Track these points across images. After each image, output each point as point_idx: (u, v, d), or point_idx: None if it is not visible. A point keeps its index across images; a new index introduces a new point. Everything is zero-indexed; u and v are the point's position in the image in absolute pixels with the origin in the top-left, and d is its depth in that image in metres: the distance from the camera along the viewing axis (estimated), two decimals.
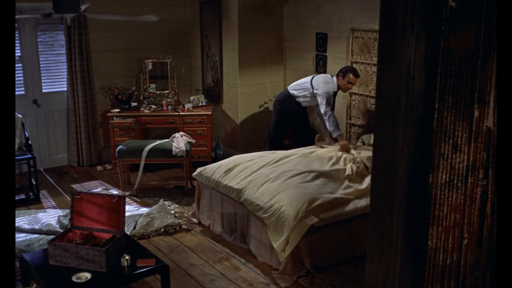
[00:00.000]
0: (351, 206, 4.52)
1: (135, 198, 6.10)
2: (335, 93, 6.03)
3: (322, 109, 5.82)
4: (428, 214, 2.12)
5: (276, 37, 7.27)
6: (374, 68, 5.95)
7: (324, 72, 6.67)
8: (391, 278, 2.22)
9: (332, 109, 5.96)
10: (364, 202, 4.57)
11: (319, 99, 5.86)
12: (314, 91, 5.93)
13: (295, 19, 7.08)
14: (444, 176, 2.09)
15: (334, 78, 5.92)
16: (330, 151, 5.56)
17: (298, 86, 6.15)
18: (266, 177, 5.00)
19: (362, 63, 6.13)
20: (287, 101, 6.19)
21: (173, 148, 6.13)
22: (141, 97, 7.41)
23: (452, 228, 2.15)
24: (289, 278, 4.25)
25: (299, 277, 4.27)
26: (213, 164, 5.46)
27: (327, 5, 6.53)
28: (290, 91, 6.17)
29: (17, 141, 6.23)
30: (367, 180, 4.94)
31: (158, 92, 7.45)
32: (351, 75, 5.75)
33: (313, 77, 6.07)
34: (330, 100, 5.94)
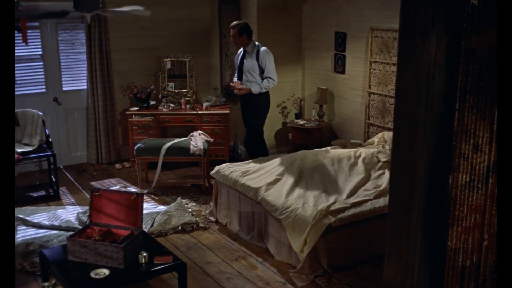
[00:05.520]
0: (368, 206, 4.50)
1: (153, 196, 6.14)
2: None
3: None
4: (447, 215, 2.09)
5: (295, 36, 7.26)
6: (393, 68, 5.91)
7: (343, 72, 6.64)
8: (410, 279, 2.20)
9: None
10: (382, 202, 4.55)
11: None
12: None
13: (314, 19, 7.06)
14: (464, 177, 2.06)
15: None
16: (347, 152, 5.53)
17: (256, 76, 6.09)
18: (283, 177, 5.01)
19: (381, 62, 6.09)
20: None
21: (191, 146, 6.15)
22: (160, 95, 7.45)
23: (472, 229, 2.13)
24: (305, 278, 4.24)
25: (316, 277, 4.26)
26: (231, 163, 5.48)
27: (346, 4, 6.50)
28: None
29: (37, 138, 6.31)
30: (385, 180, 4.92)
31: (176, 91, 7.48)
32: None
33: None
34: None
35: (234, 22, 6.06)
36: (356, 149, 5.61)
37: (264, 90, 6.02)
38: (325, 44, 6.91)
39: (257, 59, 5.97)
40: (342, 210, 4.40)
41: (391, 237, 2.29)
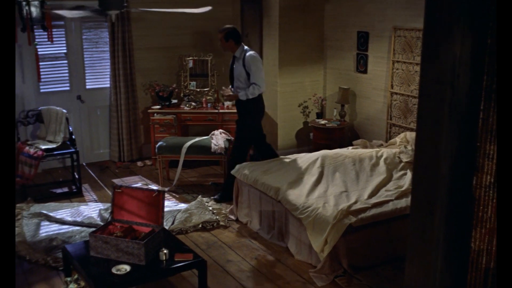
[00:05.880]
0: (390, 207, 4.47)
1: (174, 194, 6.17)
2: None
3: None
4: (471, 216, 2.07)
5: (317, 35, 7.23)
6: (416, 68, 5.85)
7: (365, 72, 6.61)
8: (431, 280, 2.18)
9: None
10: (404, 202, 4.51)
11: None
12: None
13: (336, 18, 7.03)
14: (488, 177, 2.03)
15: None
16: (369, 152, 5.50)
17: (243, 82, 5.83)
18: (303, 176, 5.00)
19: (404, 62, 6.03)
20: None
21: (212, 145, 6.18)
22: (182, 94, 7.49)
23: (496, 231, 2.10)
24: (326, 278, 4.22)
25: (336, 277, 4.24)
26: (252, 162, 5.49)
27: (369, 3, 6.45)
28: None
29: (61, 135, 6.40)
30: (407, 181, 4.87)
31: (198, 90, 7.51)
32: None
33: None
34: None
35: (223, 27, 5.87)
36: (377, 149, 5.58)
37: (250, 97, 5.71)
38: (347, 43, 6.87)
39: (244, 65, 5.72)
40: (363, 210, 4.37)
41: (413, 238, 2.27)
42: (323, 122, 6.91)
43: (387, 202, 4.53)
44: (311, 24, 7.16)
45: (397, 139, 5.84)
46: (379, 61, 6.42)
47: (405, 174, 5.09)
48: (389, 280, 4.24)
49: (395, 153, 5.42)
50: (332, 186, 4.83)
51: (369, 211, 4.39)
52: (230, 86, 5.97)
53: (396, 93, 6.21)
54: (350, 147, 5.89)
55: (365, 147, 5.91)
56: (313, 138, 7.00)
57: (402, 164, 5.25)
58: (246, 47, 5.84)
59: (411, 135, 5.67)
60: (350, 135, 6.90)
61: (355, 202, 4.48)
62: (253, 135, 6.00)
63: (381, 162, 5.23)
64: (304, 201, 4.53)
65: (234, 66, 5.85)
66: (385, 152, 5.45)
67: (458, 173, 2.04)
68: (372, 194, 4.68)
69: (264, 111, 6.09)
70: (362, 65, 6.68)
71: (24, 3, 5.79)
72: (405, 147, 5.52)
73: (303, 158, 5.39)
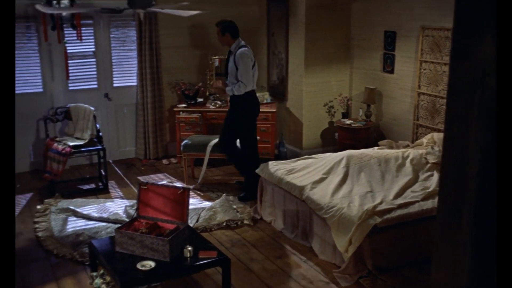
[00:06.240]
0: (416, 208, 4.42)
1: (198, 192, 6.21)
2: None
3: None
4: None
5: (343, 35, 7.19)
6: (444, 68, 5.78)
7: (392, 72, 6.55)
8: (459, 283, 2.15)
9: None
10: (430, 204, 4.46)
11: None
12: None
13: (363, 17, 6.98)
14: None
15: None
16: (395, 152, 5.44)
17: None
18: (328, 176, 4.99)
19: (432, 62, 5.96)
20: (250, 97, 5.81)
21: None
22: (207, 93, 7.53)
23: None
24: (350, 278, 4.20)
25: (360, 278, 4.21)
26: (277, 161, 5.49)
27: (397, 2, 6.39)
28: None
29: (88, 132, 6.49)
30: (434, 182, 4.82)
31: None
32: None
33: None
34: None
35: (220, 20, 5.79)
36: (404, 150, 5.52)
37: (236, 93, 5.64)
38: (374, 43, 6.82)
39: (234, 60, 5.67)
40: (389, 211, 4.34)
41: (439, 240, 2.25)
42: (348, 122, 6.86)
43: (413, 203, 4.49)
44: (337, 24, 7.12)
45: (424, 139, 5.77)
46: (406, 61, 6.35)
47: (432, 175, 5.03)
48: (414, 282, 4.20)
49: (421, 154, 5.36)
50: (357, 186, 4.80)
51: (395, 212, 4.35)
52: (226, 81, 5.91)
53: (423, 94, 6.14)
54: (376, 148, 5.85)
55: (391, 147, 5.85)
56: (338, 138, 6.96)
57: (429, 165, 5.19)
58: (242, 42, 5.77)
59: (438, 136, 5.60)
60: (376, 136, 6.84)
61: (381, 203, 4.44)
62: (240, 130, 5.89)
63: (407, 162, 5.18)
64: (329, 200, 4.51)
65: (229, 61, 5.82)
66: (412, 152, 5.39)
67: (487, 173, 2.01)
68: (398, 195, 4.64)
69: (258, 111, 5.95)
70: (389, 65, 6.62)
71: (54, 1, 5.89)
72: (432, 148, 5.46)
73: (328, 158, 5.36)
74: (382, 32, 6.65)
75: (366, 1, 6.89)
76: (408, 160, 5.22)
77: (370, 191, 4.70)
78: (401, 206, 4.43)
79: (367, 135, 6.72)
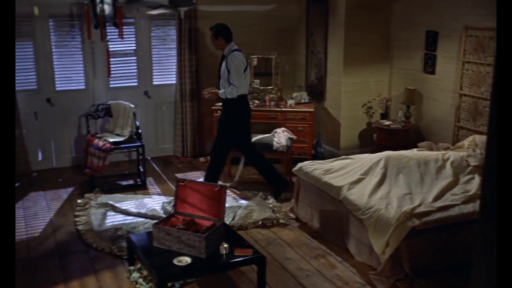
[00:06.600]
0: (456, 211, 4.33)
1: (235, 190, 6.24)
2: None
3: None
4: None
5: (383, 35, 7.11)
6: (488, 69, 5.64)
7: (433, 72, 6.44)
8: None
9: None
10: (471, 207, 4.36)
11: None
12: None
13: (404, 17, 6.88)
14: None
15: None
16: (435, 154, 5.34)
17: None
18: (366, 177, 4.94)
19: (475, 63, 5.82)
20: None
21: (274, 143, 6.20)
22: None
23: None
24: (386, 281, 4.15)
25: (396, 280, 4.16)
26: (314, 161, 5.47)
27: (439, 1, 6.28)
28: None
29: (128, 129, 6.60)
30: (475, 185, 4.71)
31: (261, 88, 7.55)
32: None
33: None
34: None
35: (214, 24, 5.75)
36: (444, 152, 5.41)
37: (228, 96, 5.61)
38: (415, 43, 6.71)
39: (226, 64, 5.63)
40: (427, 213, 4.27)
41: (480, 245, 2.20)
42: (387, 123, 6.78)
43: (453, 206, 4.40)
44: (377, 23, 7.04)
45: (465, 142, 5.64)
46: (448, 61, 6.23)
47: (473, 178, 4.91)
48: (453, 287, 4.12)
49: (462, 156, 5.25)
50: (395, 187, 4.73)
51: (434, 214, 4.27)
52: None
53: (465, 95, 6.01)
54: (415, 149, 5.75)
55: (431, 149, 5.75)
56: (377, 139, 6.88)
57: (470, 168, 5.07)
58: (235, 46, 5.72)
59: (480, 138, 5.47)
60: (415, 137, 6.73)
61: (419, 205, 4.37)
62: (236, 135, 5.86)
63: (448, 165, 5.08)
64: (366, 201, 4.47)
65: (222, 64, 5.79)
66: (452, 155, 5.28)
67: None
68: (437, 197, 4.55)
69: (250, 114, 5.91)
70: (430, 66, 6.50)
71: (98, 0, 6.02)
72: (474, 150, 5.33)
73: (366, 159, 5.31)
74: (424, 32, 6.54)
75: (408, 0, 6.79)
76: (449, 162, 5.12)
77: (409, 193, 4.63)
78: (440, 209, 4.35)
79: (406, 137, 6.63)
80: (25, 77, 6.71)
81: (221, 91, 5.70)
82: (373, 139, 7.12)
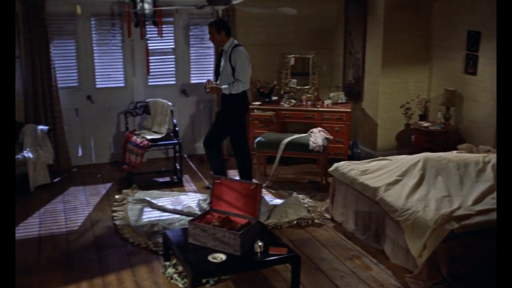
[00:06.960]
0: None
1: (270, 189, 6.24)
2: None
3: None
4: None
5: (423, 35, 6.99)
6: None
7: (475, 73, 6.29)
8: None
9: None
10: None
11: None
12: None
13: (445, 17, 6.75)
14: None
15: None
16: (475, 157, 5.22)
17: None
18: (403, 178, 4.87)
19: None
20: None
21: (310, 143, 6.17)
22: (282, 91, 7.55)
23: None
24: (422, 284, 4.07)
25: (433, 284, 4.07)
26: (350, 161, 5.42)
27: (482, 1, 6.13)
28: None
29: (166, 127, 6.69)
30: None
31: (298, 87, 7.53)
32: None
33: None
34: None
35: (212, 19, 5.69)
36: (485, 155, 5.28)
37: (234, 92, 5.59)
38: (456, 43, 6.57)
39: (230, 59, 5.56)
40: (467, 216, 4.17)
41: None
42: (426, 124, 6.66)
43: (493, 210, 4.28)
44: (417, 23, 6.93)
45: None
46: (491, 62, 6.07)
47: None
48: None
49: None
50: (433, 189, 4.65)
51: (473, 218, 4.17)
52: (212, 79, 5.84)
53: None
54: (455, 151, 5.64)
55: (471, 152, 5.62)
56: (415, 140, 6.77)
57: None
58: (235, 41, 5.69)
59: None
60: (455, 139, 6.60)
61: (458, 208, 4.28)
62: (232, 129, 5.86)
63: (488, 168, 4.95)
64: (404, 203, 4.40)
65: (222, 60, 5.75)
66: (493, 158, 5.15)
67: None
68: (477, 200, 4.45)
69: (248, 108, 5.96)
70: (471, 67, 6.36)
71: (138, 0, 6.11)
72: None
73: (404, 160, 5.23)
74: (465, 32, 6.40)
75: (449, 0, 6.65)
76: (490, 165, 4.99)
77: (447, 196, 4.54)
78: (480, 212, 4.24)
79: (445, 139, 6.50)
80: (67, 75, 6.87)
81: (225, 87, 5.67)
82: (411, 141, 7.01)
